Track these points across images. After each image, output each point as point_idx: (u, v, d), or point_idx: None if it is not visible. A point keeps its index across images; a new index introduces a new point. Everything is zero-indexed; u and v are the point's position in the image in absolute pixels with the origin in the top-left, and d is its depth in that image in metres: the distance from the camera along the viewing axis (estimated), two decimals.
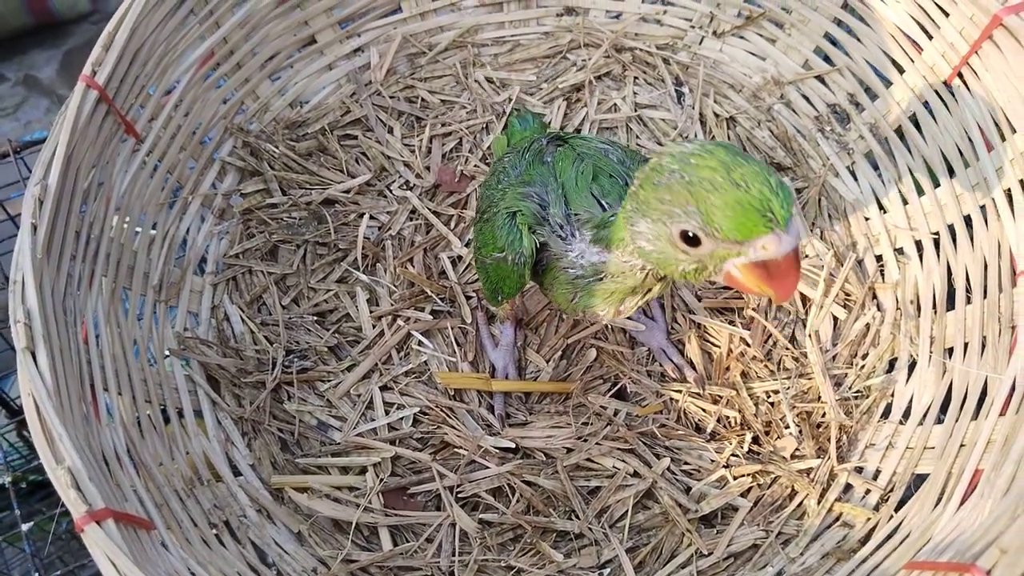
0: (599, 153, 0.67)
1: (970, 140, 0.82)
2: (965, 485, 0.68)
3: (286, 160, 0.98)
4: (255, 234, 0.94)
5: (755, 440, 0.82)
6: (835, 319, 0.88)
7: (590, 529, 0.76)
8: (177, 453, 0.76)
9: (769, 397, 0.84)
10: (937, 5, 0.84)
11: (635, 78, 1.06)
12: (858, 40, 0.95)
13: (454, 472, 0.80)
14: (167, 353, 0.83)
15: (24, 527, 0.81)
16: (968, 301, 0.80)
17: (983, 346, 0.77)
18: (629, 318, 0.87)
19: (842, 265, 0.89)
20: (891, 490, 0.76)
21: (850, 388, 0.83)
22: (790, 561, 0.74)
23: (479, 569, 0.75)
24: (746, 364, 0.85)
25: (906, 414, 0.80)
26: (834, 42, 0.98)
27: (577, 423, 0.82)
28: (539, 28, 1.09)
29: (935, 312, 0.83)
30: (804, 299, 0.89)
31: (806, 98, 1.01)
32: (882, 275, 0.89)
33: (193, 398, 0.82)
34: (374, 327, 0.89)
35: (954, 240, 0.83)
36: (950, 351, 0.80)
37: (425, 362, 0.87)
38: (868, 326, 0.86)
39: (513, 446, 0.81)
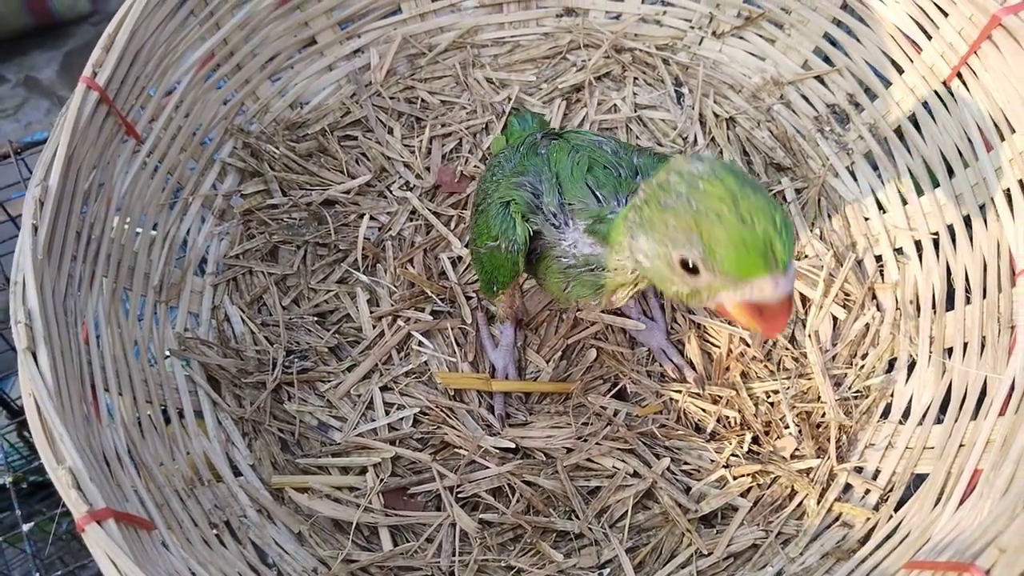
0: (593, 145, 0.67)
1: (969, 140, 0.82)
2: (964, 485, 0.68)
3: (286, 161, 0.98)
4: (255, 235, 0.94)
5: (755, 440, 0.82)
6: (835, 319, 0.88)
7: (590, 529, 0.76)
8: (178, 453, 0.76)
9: (769, 397, 0.84)
10: (936, 5, 0.84)
11: (635, 79, 1.06)
12: (857, 40, 0.95)
13: (454, 472, 0.80)
14: (167, 353, 0.83)
15: (25, 527, 0.81)
16: (967, 301, 0.80)
17: (982, 346, 0.77)
18: (629, 317, 0.87)
19: (841, 265, 0.89)
20: (891, 490, 0.77)
21: (850, 388, 0.83)
22: (790, 561, 0.74)
23: (479, 569, 0.75)
24: (746, 364, 0.85)
25: (905, 414, 0.81)
26: (833, 42, 0.98)
27: (577, 423, 0.82)
28: (539, 29, 1.10)
29: (934, 312, 0.83)
30: (804, 299, 0.89)
31: (805, 98, 1.01)
32: (881, 275, 0.89)
33: (193, 398, 0.82)
34: (374, 327, 0.89)
35: (953, 240, 0.84)
36: (949, 351, 0.80)
37: (425, 362, 0.87)
38: (868, 326, 0.86)
39: (513, 446, 0.81)
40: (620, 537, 0.76)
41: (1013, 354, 0.72)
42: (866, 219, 0.92)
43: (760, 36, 1.04)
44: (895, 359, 0.84)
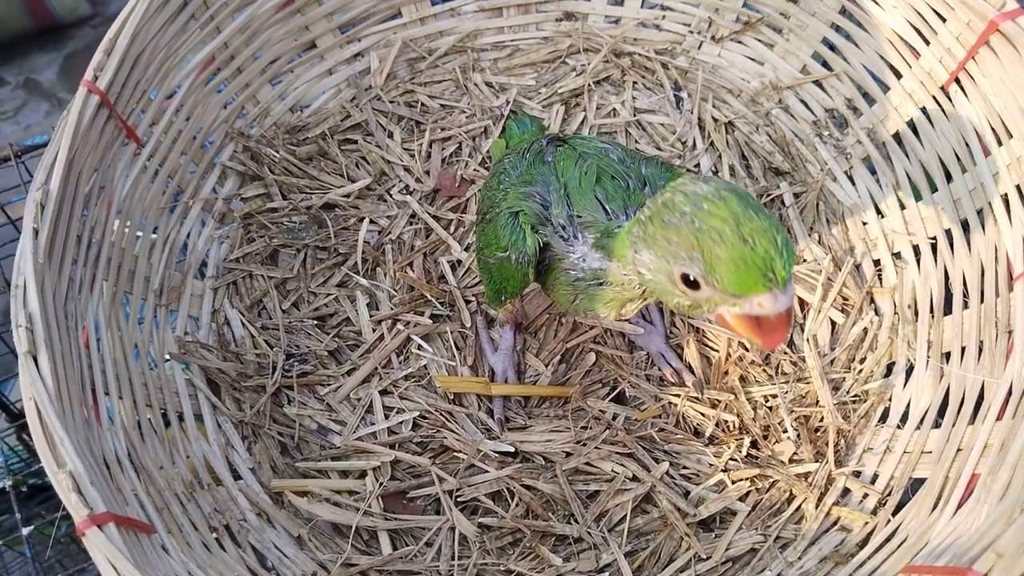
0: (600, 152, 0.67)
1: (967, 145, 0.83)
2: (962, 489, 0.69)
3: (286, 164, 0.98)
4: (255, 238, 0.94)
5: (753, 444, 0.82)
6: (833, 323, 0.88)
7: (589, 533, 0.77)
8: (177, 457, 0.76)
9: (767, 401, 0.84)
10: (934, 11, 0.84)
11: (634, 83, 1.06)
12: (856, 45, 0.95)
13: (453, 476, 0.80)
14: (167, 357, 0.83)
15: (24, 531, 0.81)
16: (965, 306, 0.80)
17: (980, 350, 0.77)
18: (628, 321, 0.87)
19: (840, 270, 0.89)
20: (889, 494, 0.77)
21: (848, 392, 0.83)
22: (788, 565, 0.74)
23: (478, 573, 0.75)
24: (744, 368, 0.85)
25: (904, 418, 0.81)
26: (832, 47, 0.99)
27: (576, 427, 0.82)
28: (538, 33, 1.10)
29: (932, 316, 0.84)
30: (802, 304, 0.89)
31: (804, 103, 1.01)
32: (880, 280, 0.89)
33: (193, 402, 0.82)
34: (374, 331, 0.89)
35: (951, 245, 0.84)
36: (947, 355, 0.81)
37: (425, 366, 0.87)
38: (866, 330, 0.86)
39: (512, 450, 0.81)
40: (619, 541, 0.76)
41: (1010, 359, 0.72)
42: (864, 224, 0.93)
43: (759, 41, 1.05)
44: (893, 363, 0.85)
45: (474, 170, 1.00)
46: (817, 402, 0.83)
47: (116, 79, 0.75)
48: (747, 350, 0.86)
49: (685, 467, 0.81)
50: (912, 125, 0.90)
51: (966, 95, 0.83)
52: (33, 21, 1.99)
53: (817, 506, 0.77)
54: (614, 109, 1.04)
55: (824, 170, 0.97)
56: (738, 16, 1.05)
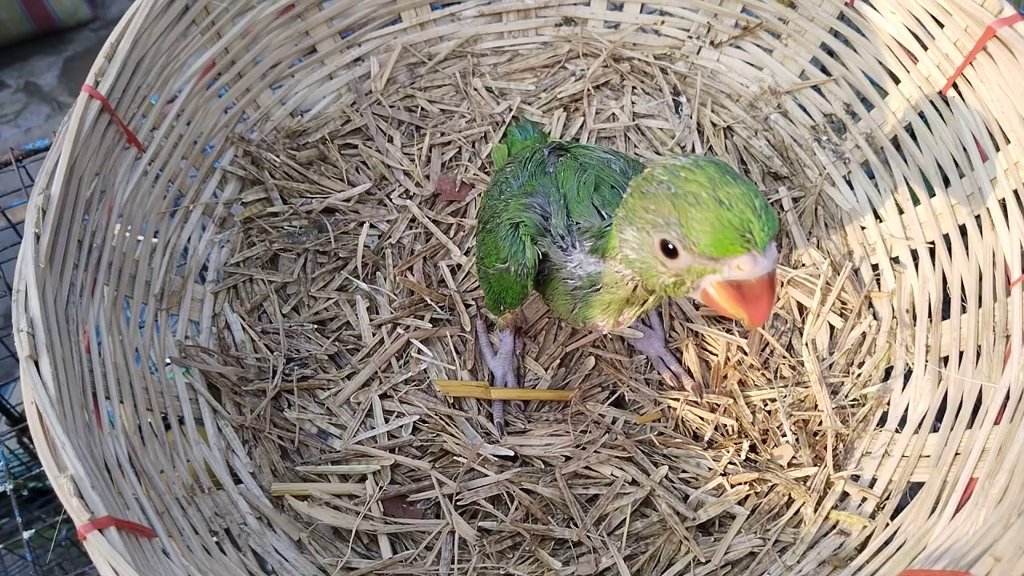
0: (602, 163, 0.68)
1: (965, 150, 0.83)
2: (960, 493, 0.69)
3: (287, 169, 0.98)
4: (256, 243, 0.95)
5: (752, 448, 0.82)
6: (832, 328, 0.88)
7: (588, 537, 0.77)
8: (178, 461, 0.76)
9: (766, 405, 0.84)
10: (932, 16, 0.85)
11: (633, 88, 1.07)
12: (854, 51, 0.96)
13: (453, 480, 0.80)
14: (168, 361, 0.83)
15: (25, 535, 0.81)
16: (963, 310, 0.81)
17: (978, 355, 0.77)
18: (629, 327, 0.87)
19: (838, 274, 0.90)
20: (887, 498, 0.77)
21: (846, 396, 0.84)
22: (787, 569, 0.74)
23: None
24: (743, 372, 0.86)
25: (902, 422, 0.81)
26: (830, 52, 0.99)
27: (576, 431, 0.83)
28: (538, 38, 1.10)
29: (931, 321, 0.84)
30: (801, 308, 0.90)
31: (803, 108, 1.02)
32: (878, 284, 0.90)
33: (194, 406, 0.83)
34: (374, 335, 0.89)
35: (949, 249, 0.84)
36: (945, 360, 0.81)
37: (424, 370, 0.88)
38: (864, 335, 0.87)
39: (512, 454, 0.81)
40: (618, 545, 0.77)
41: (1008, 363, 0.73)
42: (863, 228, 0.93)
43: (757, 46, 1.05)
44: (891, 367, 0.85)
45: (474, 174, 1.00)
46: (816, 406, 0.83)
47: (117, 84, 0.76)
48: (746, 354, 0.86)
49: (684, 471, 0.81)
50: (910, 130, 0.91)
51: (964, 100, 0.83)
52: (33, 24, 1.99)
53: (816, 510, 0.77)
54: (613, 114, 1.05)
55: (823, 175, 0.97)
56: (737, 21, 1.05)
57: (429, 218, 0.97)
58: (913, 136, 0.90)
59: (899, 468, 0.78)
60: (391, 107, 1.05)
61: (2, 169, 0.95)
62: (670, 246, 0.50)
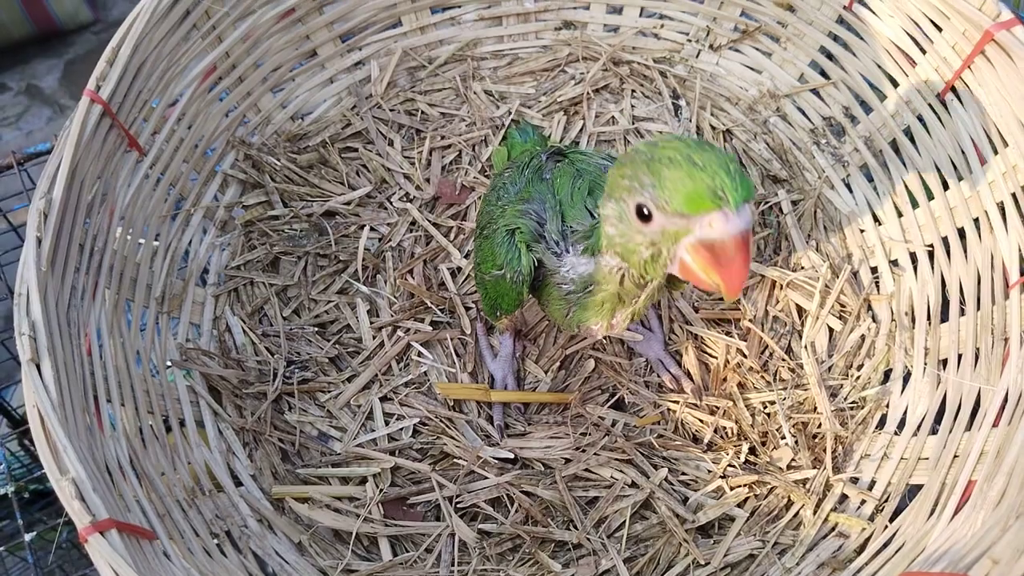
0: (598, 169, 0.68)
1: (963, 153, 0.83)
2: (959, 496, 0.69)
3: (287, 172, 0.99)
4: (256, 246, 0.95)
5: (752, 451, 0.82)
6: (831, 330, 0.89)
7: (588, 539, 0.77)
8: (179, 463, 0.77)
9: (765, 408, 0.84)
10: (930, 20, 0.85)
11: (633, 91, 1.07)
12: (853, 54, 0.96)
13: (453, 482, 0.80)
14: (169, 364, 0.84)
15: (27, 537, 0.81)
16: (962, 313, 0.81)
17: (976, 358, 0.77)
18: (627, 329, 0.87)
19: (837, 277, 0.90)
20: (886, 500, 0.77)
21: (846, 399, 0.84)
22: (786, 571, 0.75)
23: None
24: (743, 375, 0.86)
25: (901, 425, 0.81)
26: (829, 56, 0.99)
27: (575, 433, 0.83)
28: (538, 42, 1.11)
29: (929, 323, 0.84)
30: (800, 310, 0.90)
31: (802, 111, 1.02)
32: (877, 287, 0.90)
33: (195, 409, 0.83)
34: (374, 338, 0.90)
35: (948, 252, 0.84)
36: (944, 362, 0.81)
37: (425, 373, 0.88)
38: (863, 337, 0.87)
39: (512, 456, 0.82)
40: (618, 547, 0.77)
41: (1007, 365, 0.73)
42: (862, 231, 0.93)
43: (757, 49, 1.05)
44: (890, 370, 0.85)
45: (474, 178, 1.00)
46: (815, 408, 0.83)
47: (118, 89, 0.76)
48: (745, 356, 0.86)
49: (684, 473, 0.81)
50: (909, 133, 0.91)
51: (962, 103, 0.83)
52: (34, 27, 2.00)
53: (815, 512, 0.78)
54: (613, 117, 1.05)
55: (822, 178, 0.97)
56: (736, 25, 1.05)
57: (429, 221, 0.97)
58: (912, 139, 0.91)
59: (898, 470, 0.78)
60: (391, 111, 1.05)
61: (4, 172, 0.95)
62: (645, 210, 0.50)
